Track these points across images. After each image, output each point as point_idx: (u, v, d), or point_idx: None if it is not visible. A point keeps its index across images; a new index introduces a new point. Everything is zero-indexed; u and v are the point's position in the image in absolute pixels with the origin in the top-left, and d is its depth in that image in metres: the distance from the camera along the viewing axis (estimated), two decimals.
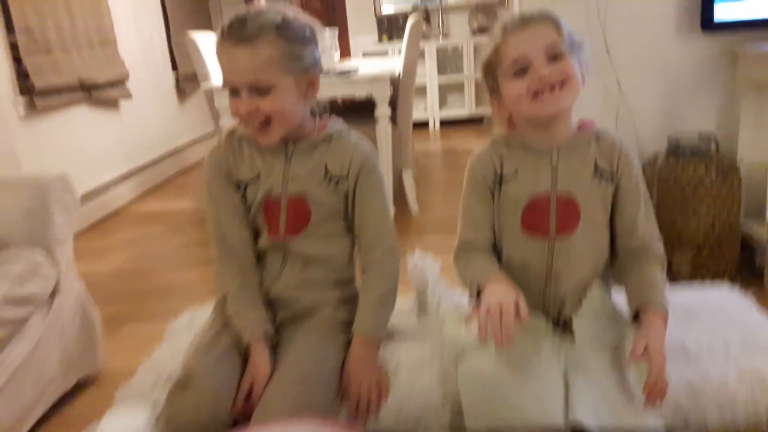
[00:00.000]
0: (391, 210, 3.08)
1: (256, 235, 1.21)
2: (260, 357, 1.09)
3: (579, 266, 1.09)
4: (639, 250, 1.09)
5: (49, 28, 3.24)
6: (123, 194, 3.94)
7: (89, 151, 3.64)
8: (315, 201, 1.17)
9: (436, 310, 1.17)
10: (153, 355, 1.23)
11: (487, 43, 1.09)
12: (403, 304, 1.26)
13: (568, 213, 1.08)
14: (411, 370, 1.07)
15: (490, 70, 1.09)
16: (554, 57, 1.02)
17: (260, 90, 1.06)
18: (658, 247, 1.10)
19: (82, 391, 1.80)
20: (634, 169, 1.10)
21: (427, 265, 1.24)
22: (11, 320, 1.51)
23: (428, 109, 5.79)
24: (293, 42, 1.07)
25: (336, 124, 1.22)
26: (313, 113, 1.20)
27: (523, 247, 1.10)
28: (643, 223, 1.10)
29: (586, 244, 1.09)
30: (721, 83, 2.22)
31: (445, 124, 5.82)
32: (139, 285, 2.62)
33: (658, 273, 1.07)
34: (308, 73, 1.12)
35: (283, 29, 1.06)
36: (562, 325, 1.09)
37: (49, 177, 1.72)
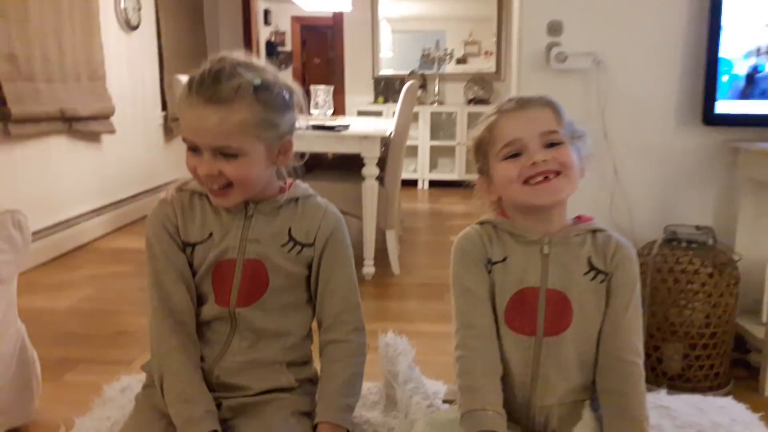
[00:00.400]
0: (371, 271, 2.97)
1: (198, 303, 1.05)
2: None
3: (569, 372, 0.97)
4: (618, 361, 0.96)
5: (36, 57, 3.16)
6: (93, 228, 3.78)
7: (65, 182, 3.50)
8: (274, 268, 1.03)
9: (405, 407, 1.02)
10: (76, 424, 1.07)
11: (480, 120, 1.02)
12: (368, 394, 1.11)
13: (559, 311, 0.96)
14: None
15: (481, 148, 1.01)
16: (551, 144, 0.94)
17: (226, 155, 0.94)
18: (638, 364, 0.96)
19: None
20: (631, 270, 0.99)
21: (400, 350, 1.10)
22: None
23: (418, 169, 5.78)
24: (271, 108, 0.96)
25: (301, 186, 1.10)
26: (279, 175, 1.08)
27: (507, 345, 0.98)
28: (627, 331, 0.97)
29: (577, 347, 0.97)
30: (720, 177, 2.15)
31: (434, 184, 5.80)
32: (93, 328, 2.43)
33: (637, 399, 0.95)
34: (282, 141, 1.01)
35: (261, 92, 0.94)
36: None
37: None
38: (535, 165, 0.93)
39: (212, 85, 0.91)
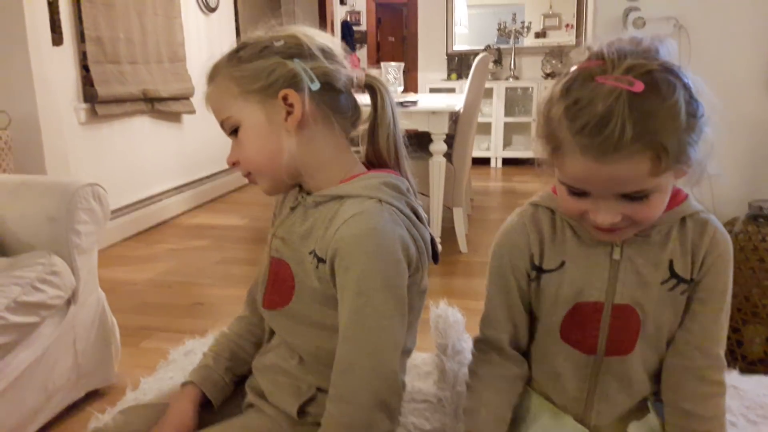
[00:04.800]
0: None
1: None
2: (184, 405, 0.93)
3: (633, 388, 0.84)
4: (699, 382, 0.81)
5: (120, 40, 3.31)
6: (174, 205, 3.96)
7: (147, 160, 3.68)
8: (299, 276, 0.87)
9: (453, 379, 1.00)
10: (141, 383, 1.13)
11: (548, 102, 0.73)
12: (422, 364, 1.10)
13: (626, 329, 0.81)
14: None
15: (550, 150, 0.74)
16: (633, 198, 0.71)
17: (232, 133, 0.87)
18: (722, 383, 0.82)
19: (91, 401, 1.74)
20: (725, 273, 0.80)
21: (451, 321, 1.08)
22: (18, 326, 1.45)
23: (491, 147, 5.66)
24: (248, 60, 0.84)
25: (365, 180, 0.85)
26: (371, 163, 0.91)
27: (560, 360, 0.85)
28: (713, 343, 0.82)
29: (645, 360, 0.84)
30: None
31: (507, 162, 5.67)
32: (171, 299, 2.56)
33: (718, 423, 0.81)
34: (277, 93, 0.82)
35: (239, 51, 0.85)
36: None
37: (78, 184, 1.68)
38: (598, 223, 0.73)
39: (211, 66, 0.88)
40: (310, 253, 0.84)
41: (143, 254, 3.17)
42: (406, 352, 0.88)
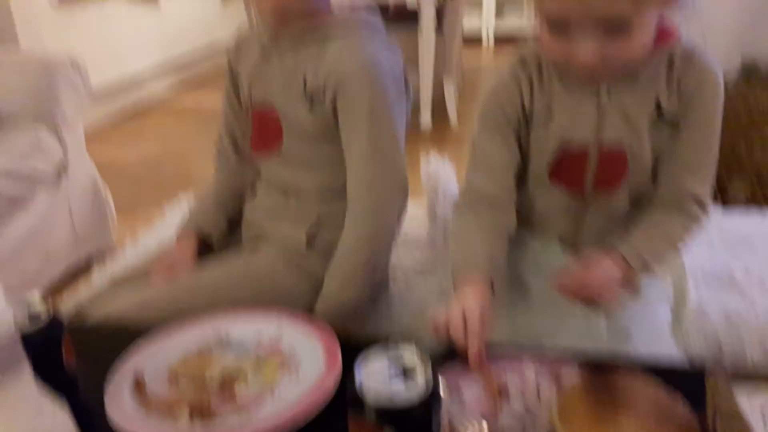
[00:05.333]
0: (427, 121, 2.91)
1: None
2: (182, 254, 0.96)
3: (619, 221, 0.85)
4: (670, 202, 0.81)
5: None
6: (158, 87, 3.87)
7: (125, 41, 3.54)
8: (287, 118, 0.91)
9: (444, 221, 1.03)
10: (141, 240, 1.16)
11: None
12: (417, 210, 1.13)
13: (612, 168, 0.81)
14: (411, 279, 0.95)
15: None
16: (613, 29, 0.68)
17: None
18: (695, 211, 0.81)
19: (95, 265, 1.80)
20: (712, 99, 0.78)
21: (441, 171, 1.09)
22: (11, 195, 1.46)
23: (483, 19, 5.40)
24: None
25: (355, 15, 0.89)
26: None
27: (551, 200, 0.86)
28: (692, 176, 0.80)
29: (630, 201, 0.85)
30: None
31: (500, 41, 5.46)
32: (163, 174, 2.57)
33: (672, 233, 0.80)
34: None
35: None
36: None
37: (58, 57, 1.66)
38: (581, 62, 0.71)
39: None
40: (302, 93, 0.87)
41: (130, 135, 3.14)
42: None
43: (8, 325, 0.39)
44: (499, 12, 5.47)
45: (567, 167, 0.82)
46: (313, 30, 0.87)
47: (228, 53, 1.00)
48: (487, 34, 5.50)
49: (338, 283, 0.89)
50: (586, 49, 0.69)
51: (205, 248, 0.99)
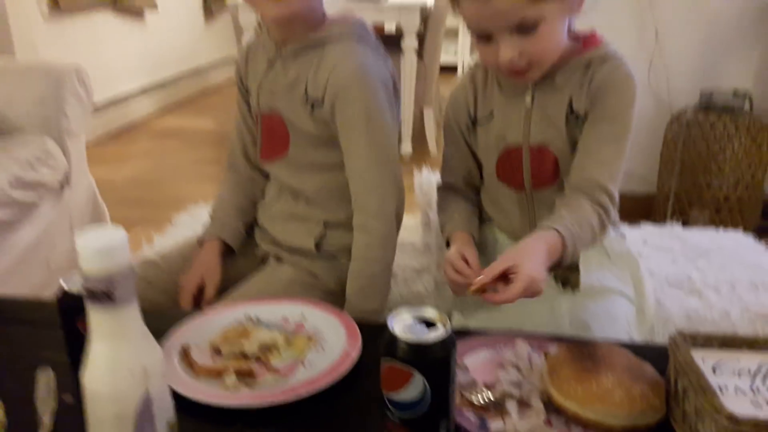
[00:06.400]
0: (408, 149, 3.04)
1: None
2: (209, 257, 1.04)
3: None
4: (580, 190, 0.87)
5: None
6: (142, 107, 3.92)
7: (111, 58, 3.60)
8: (292, 123, 0.98)
9: (437, 228, 1.14)
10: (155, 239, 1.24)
11: None
12: (411, 220, 1.24)
13: (543, 166, 0.92)
14: (409, 276, 1.06)
15: (452, 6, 0.88)
16: (524, 29, 0.81)
17: None
18: (603, 199, 0.86)
19: None
20: (617, 102, 0.87)
21: (434, 183, 1.21)
22: (20, 202, 1.52)
23: (458, 52, 5.65)
24: None
25: (342, 23, 0.95)
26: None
27: (503, 196, 0.99)
28: (598, 166, 0.87)
29: None
30: (764, 40, 2.11)
31: None
32: (151, 194, 2.63)
33: (582, 214, 0.84)
34: None
35: None
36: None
37: (65, 67, 1.70)
38: (505, 64, 0.83)
39: None
40: (303, 98, 0.95)
41: (117, 155, 3.19)
42: None
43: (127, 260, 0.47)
44: (474, 46, 5.69)
45: (508, 166, 0.95)
46: (312, 39, 0.94)
47: (237, 66, 1.09)
48: (462, 65, 5.72)
49: (361, 295, 0.96)
50: (506, 48, 0.82)
51: (227, 249, 1.08)
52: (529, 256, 0.76)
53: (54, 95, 1.66)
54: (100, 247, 0.45)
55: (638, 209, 2.07)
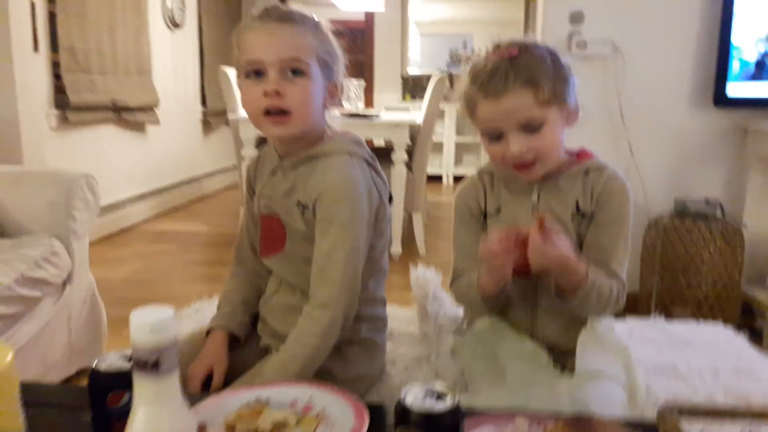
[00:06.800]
0: (398, 251, 3.14)
1: None
2: (216, 347, 1.09)
3: (569, 318, 1.04)
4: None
5: (92, 51, 3.43)
6: (139, 212, 4.03)
7: (113, 167, 3.76)
8: (288, 224, 1.07)
9: (435, 317, 1.21)
10: None
11: (462, 82, 1.04)
12: (407, 312, 1.30)
13: None
14: (409, 364, 1.10)
15: (468, 113, 1.04)
16: (530, 128, 0.97)
17: (293, 70, 0.99)
18: (618, 282, 1.00)
19: (82, 379, 1.83)
20: (618, 204, 1.02)
21: (429, 278, 1.28)
22: (24, 299, 1.56)
23: (443, 165, 5.94)
24: (328, 43, 1.05)
25: (342, 139, 1.07)
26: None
27: (509, 285, 1.04)
28: (611, 259, 1.01)
29: None
30: (730, 155, 2.29)
31: (459, 179, 5.92)
32: (146, 294, 2.67)
33: (603, 277, 0.98)
34: (333, 80, 1.06)
35: (321, 28, 1.06)
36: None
37: (76, 174, 1.81)
38: (514, 157, 0.97)
39: (282, 10, 1.01)
40: (296, 204, 1.05)
41: (113, 256, 3.25)
42: (384, 273, 1.13)
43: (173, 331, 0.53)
44: (458, 159, 6.02)
45: (516, 255, 1.00)
46: (309, 154, 1.05)
47: (248, 169, 1.20)
48: (447, 175, 5.99)
49: (279, 370, 0.98)
50: (515, 143, 0.97)
51: (233, 340, 1.13)
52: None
53: (64, 200, 1.75)
54: (153, 322, 0.51)
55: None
